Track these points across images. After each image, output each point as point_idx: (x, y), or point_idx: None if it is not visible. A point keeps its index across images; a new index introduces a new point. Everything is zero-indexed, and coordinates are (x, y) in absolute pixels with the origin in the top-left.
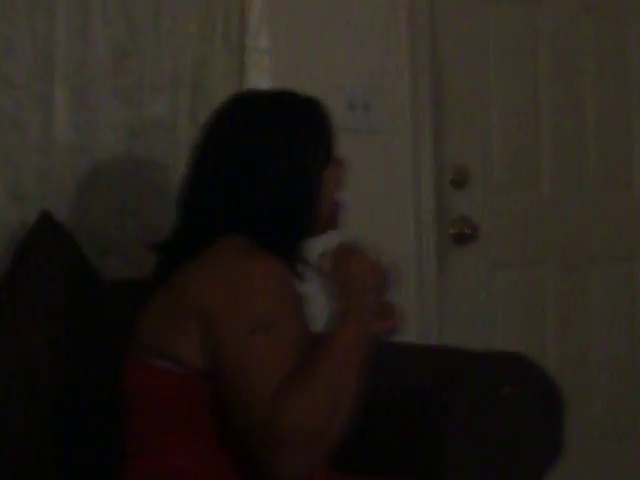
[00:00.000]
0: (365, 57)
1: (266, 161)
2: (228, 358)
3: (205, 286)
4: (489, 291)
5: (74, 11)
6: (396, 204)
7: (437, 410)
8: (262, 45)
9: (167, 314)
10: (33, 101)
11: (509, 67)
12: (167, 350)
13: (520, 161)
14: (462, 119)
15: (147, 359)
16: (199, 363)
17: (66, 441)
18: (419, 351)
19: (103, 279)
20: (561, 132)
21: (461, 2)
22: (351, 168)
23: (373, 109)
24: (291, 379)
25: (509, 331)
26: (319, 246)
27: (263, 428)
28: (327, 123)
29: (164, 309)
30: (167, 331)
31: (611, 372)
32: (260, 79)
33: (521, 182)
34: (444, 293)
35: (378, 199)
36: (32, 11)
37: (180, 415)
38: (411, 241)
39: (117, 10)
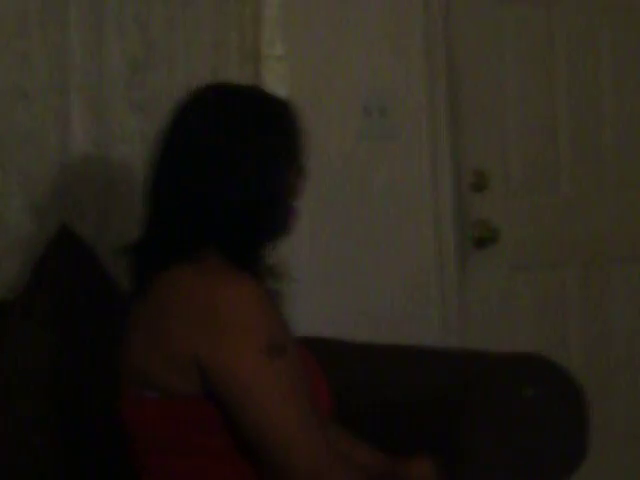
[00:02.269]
0: (380, 62)
1: (233, 161)
2: (244, 392)
3: (195, 331)
4: (510, 294)
5: (88, 24)
6: (415, 209)
7: (458, 412)
8: (277, 52)
9: (151, 346)
10: (49, 114)
11: (525, 69)
12: (158, 381)
13: (539, 163)
14: (479, 122)
15: (138, 390)
16: (192, 389)
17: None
18: (440, 354)
19: (123, 291)
20: (579, 133)
21: (476, 4)
22: (372, 173)
23: (389, 114)
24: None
25: (531, 333)
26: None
27: (303, 469)
28: (297, 128)
29: (147, 338)
30: (156, 364)
31: (635, 373)
32: (276, 86)
33: (540, 184)
34: (465, 296)
35: (397, 204)
36: (46, 24)
37: (180, 440)
38: (431, 245)
39: (131, 23)
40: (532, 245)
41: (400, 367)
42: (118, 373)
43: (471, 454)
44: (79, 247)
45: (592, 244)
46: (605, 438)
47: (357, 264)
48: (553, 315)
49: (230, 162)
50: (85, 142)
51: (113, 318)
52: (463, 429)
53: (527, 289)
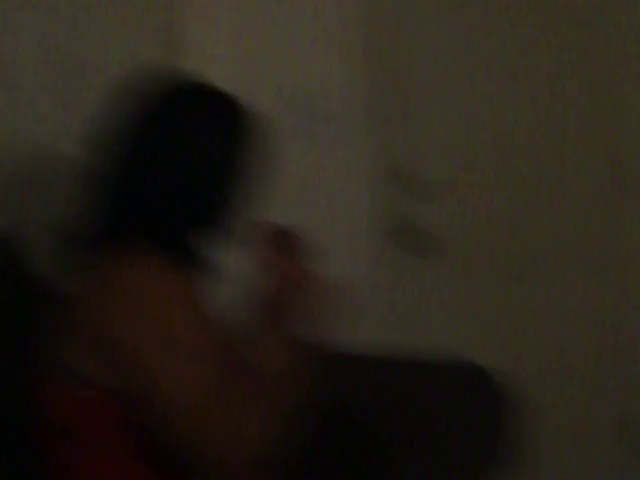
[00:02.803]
0: (307, 61)
1: (159, 149)
2: (146, 383)
3: (112, 315)
4: (450, 304)
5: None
6: (348, 215)
7: (382, 418)
8: (208, 52)
9: (77, 334)
10: None
11: (456, 61)
12: (83, 374)
13: (480, 172)
14: (420, 123)
15: (60, 382)
16: (111, 384)
17: None
18: (369, 359)
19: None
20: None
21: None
22: (303, 173)
23: (317, 114)
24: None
25: (465, 342)
26: None
27: (222, 453)
28: (244, 128)
29: (73, 328)
30: (78, 353)
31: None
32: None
33: (487, 191)
34: (401, 305)
35: (330, 208)
36: None
37: (100, 437)
38: (365, 253)
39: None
40: (473, 256)
41: (330, 371)
42: (40, 369)
43: (393, 460)
44: None
45: (533, 256)
46: (540, 446)
47: None
48: (492, 325)
49: (156, 150)
50: None
51: (34, 312)
52: (387, 433)
53: (468, 299)
